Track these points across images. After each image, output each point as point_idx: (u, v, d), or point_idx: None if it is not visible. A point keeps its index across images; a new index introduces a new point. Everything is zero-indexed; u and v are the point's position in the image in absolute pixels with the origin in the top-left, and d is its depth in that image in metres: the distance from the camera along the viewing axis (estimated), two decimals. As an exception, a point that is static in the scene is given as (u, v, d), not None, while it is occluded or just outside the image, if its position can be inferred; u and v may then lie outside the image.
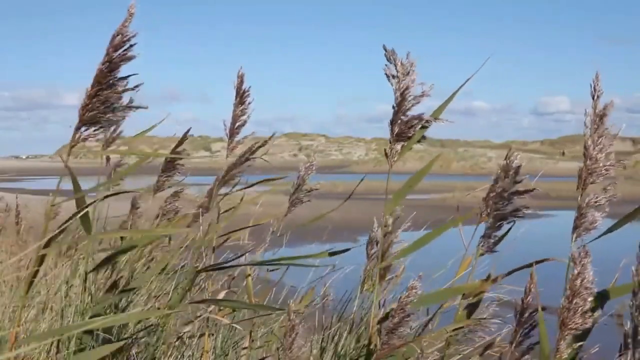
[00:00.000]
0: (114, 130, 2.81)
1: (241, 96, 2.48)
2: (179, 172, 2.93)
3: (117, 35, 1.65)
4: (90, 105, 1.67)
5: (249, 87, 2.48)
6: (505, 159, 2.05)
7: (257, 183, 2.76)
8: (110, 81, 1.67)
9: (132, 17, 1.65)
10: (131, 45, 1.66)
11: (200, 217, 2.68)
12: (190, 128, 2.88)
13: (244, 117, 2.50)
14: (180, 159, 2.86)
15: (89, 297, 2.31)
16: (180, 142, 2.83)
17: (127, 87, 1.70)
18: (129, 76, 1.69)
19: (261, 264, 2.56)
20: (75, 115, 1.70)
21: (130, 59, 1.66)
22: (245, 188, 2.71)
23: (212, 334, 2.55)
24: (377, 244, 2.62)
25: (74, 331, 2.06)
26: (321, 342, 2.55)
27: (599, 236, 1.80)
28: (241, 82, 2.47)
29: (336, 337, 2.57)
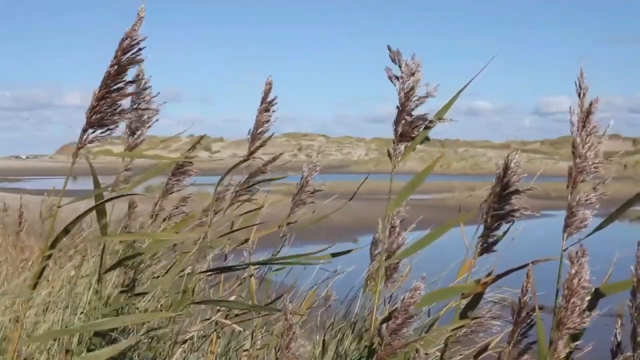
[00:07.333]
0: (138, 136, 2.64)
1: (268, 103, 2.50)
2: (189, 176, 2.87)
3: (126, 38, 1.65)
4: (97, 108, 1.67)
5: (276, 97, 2.49)
6: (505, 159, 2.05)
7: (258, 182, 2.74)
8: (118, 84, 1.67)
9: (142, 20, 1.66)
10: (140, 49, 1.66)
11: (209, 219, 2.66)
12: (204, 135, 2.86)
13: (267, 124, 2.52)
14: (191, 163, 2.82)
15: (98, 300, 2.29)
16: (194, 145, 2.80)
17: (135, 91, 1.69)
18: (135, 80, 1.69)
19: (264, 263, 2.54)
20: (77, 115, 1.70)
21: (138, 62, 1.67)
22: (247, 187, 2.70)
23: (219, 337, 2.53)
24: (380, 245, 2.61)
25: (76, 332, 2.05)
26: (322, 342, 2.55)
27: (589, 234, 1.79)
28: (269, 89, 2.48)
29: (338, 337, 2.57)
